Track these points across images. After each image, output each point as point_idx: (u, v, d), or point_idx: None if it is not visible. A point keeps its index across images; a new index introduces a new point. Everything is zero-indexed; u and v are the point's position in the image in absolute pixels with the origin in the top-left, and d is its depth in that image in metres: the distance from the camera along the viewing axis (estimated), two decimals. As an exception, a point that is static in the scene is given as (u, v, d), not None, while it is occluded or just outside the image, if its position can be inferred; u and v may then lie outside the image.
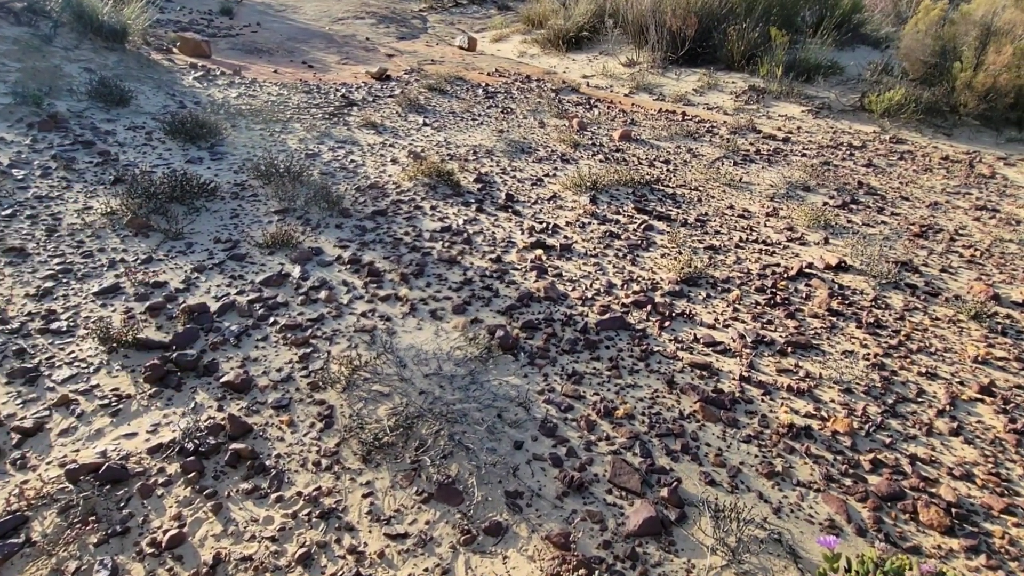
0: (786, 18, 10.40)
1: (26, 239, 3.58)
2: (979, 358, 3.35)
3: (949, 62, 8.37)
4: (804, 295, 3.87)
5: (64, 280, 3.28)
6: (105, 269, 3.42)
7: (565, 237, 4.38)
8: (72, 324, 2.97)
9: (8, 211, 3.79)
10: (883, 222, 5.15)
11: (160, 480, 2.24)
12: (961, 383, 3.16)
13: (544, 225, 4.52)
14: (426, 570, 2.01)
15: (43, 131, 4.94)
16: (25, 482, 2.18)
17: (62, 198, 4.07)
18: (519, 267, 3.90)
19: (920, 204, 5.63)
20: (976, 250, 4.71)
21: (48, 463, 2.27)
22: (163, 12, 9.95)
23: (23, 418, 2.43)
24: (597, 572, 1.93)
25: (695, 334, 3.36)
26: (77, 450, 2.33)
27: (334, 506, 2.21)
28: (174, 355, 2.81)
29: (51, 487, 2.15)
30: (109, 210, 3.90)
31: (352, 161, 5.36)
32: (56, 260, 3.43)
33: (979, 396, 3.06)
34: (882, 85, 8.97)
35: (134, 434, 2.43)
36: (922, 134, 8.00)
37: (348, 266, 3.71)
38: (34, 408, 2.49)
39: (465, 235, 4.22)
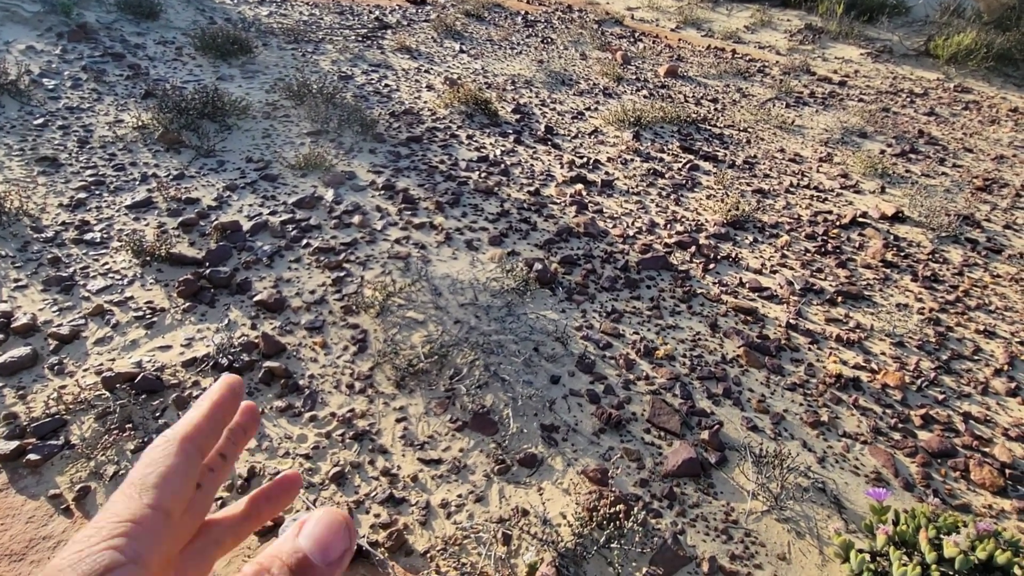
0: (852, -50, 9.60)
1: (58, 149, 3.51)
2: (1043, 319, 3.16)
3: (1030, 4, 7.69)
4: (857, 244, 3.67)
5: (97, 192, 3.23)
6: (137, 183, 3.36)
7: (606, 173, 4.19)
8: (106, 236, 2.94)
9: (40, 120, 3.72)
10: (944, 173, 4.83)
11: (195, 393, 2.23)
12: (1021, 343, 2.99)
13: (584, 160, 4.32)
14: (459, 496, 1.99)
15: (73, 42, 4.81)
16: (63, 387, 2.18)
17: (93, 110, 3.98)
18: (558, 201, 3.75)
19: (985, 157, 5.27)
20: (1045, 207, 4.40)
21: (85, 370, 2.27)
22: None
23: (60, 325, 2.42)
24: (635, 509, 1.88)
25: (740, 278, 3.21)
26: (113, 359, 2.32)
27: (367, 428, 2.18)
28: (207, 272, 2.76)
29: (88, 393, 2.15)
30: (140, 124, 3.80)
31: (386, 85, 5.16)
32: (88, 172, 3.37)
33: (1041, 357, 2.89)
34: (951, 28, 8.31)
35: (168, 347, 2.41)
36: (990, 83, 7.45)
37: (382, 192, 3.60)
38: (70, 316, 2.48)
39: (502, 166, 4.06)
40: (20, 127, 3.64)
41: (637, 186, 4.07)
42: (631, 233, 3.50)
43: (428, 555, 1.80)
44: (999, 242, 3.89)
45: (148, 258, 2.79)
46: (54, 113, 3.85)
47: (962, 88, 7.17)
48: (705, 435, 2.24)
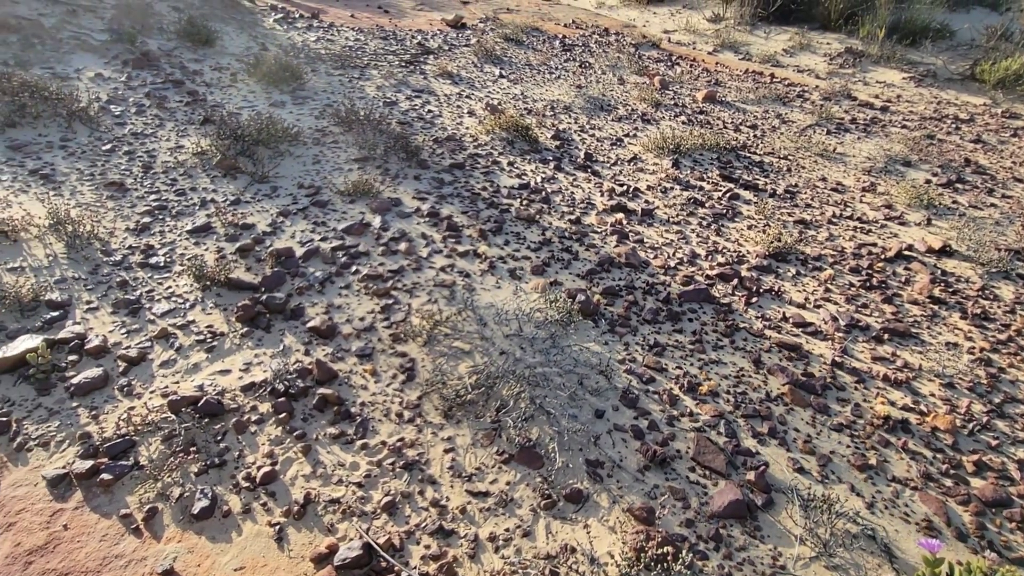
0: (895, -27, 9.50)
1: (124, 175, 3.71)
2: (1101, 362, 3.07)
3: (1083, 28, 7.50)
4: (903, 279, 3.62)
5: (160, 216, 3.40)
6: (197, 208, 3.52)
7: (646, 202, 4.22)
8: (169, 260, 3.09)
9: (108, 146, 3.94)
10: (993, 205, 4.73)
11: (253, 418, 2.32)
12: (1079, 387, 2.91)
13: (624, 188, 4.36)
14: (507, 530, 2.02)
15: (136, 68, 5.07)
16: (132, 408, 2.30)
17: (156, 136, 4.19)
18: (599, 230, 3.80)
19: (1036, 187, 5.14)
20: (1101, 242, 4.27)
21: (151, 392, 2.38)
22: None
23: (128, 347, 2.55)
24: (682, 551, 1.90)
25: (784, 313, 3.20)
26: (177, 382, 2.44)
27: (416, 458, 2.24)
28: (263, 297, 2.88)
29: (155, 415, 2.26)
30: (199, 150, 3.99)
31: (429, 111, 5.29)
32: (152, 196, 3.55)
33: (1099, 403, 2.81)
34: (998, 52, 8.14)
35: (228, 371, 2.52)
36: (1041, 109, 7.25)
37: (427, 219, 3.70)
38: (137, 339, 2.61)
39: (543, 194, 4.13)
40: (90, 152, 3.85)
41: (677, 215, 4.09)
42: (672, 264, 3.52)
43: (478, 589, 1.84)
44: (1053, 279, 3.79)
45: (208, 282, 2.92)
46: (120, 139, 4.06)
47: (1010, 114, 7.00)
48: (751, 476, 2.24)
